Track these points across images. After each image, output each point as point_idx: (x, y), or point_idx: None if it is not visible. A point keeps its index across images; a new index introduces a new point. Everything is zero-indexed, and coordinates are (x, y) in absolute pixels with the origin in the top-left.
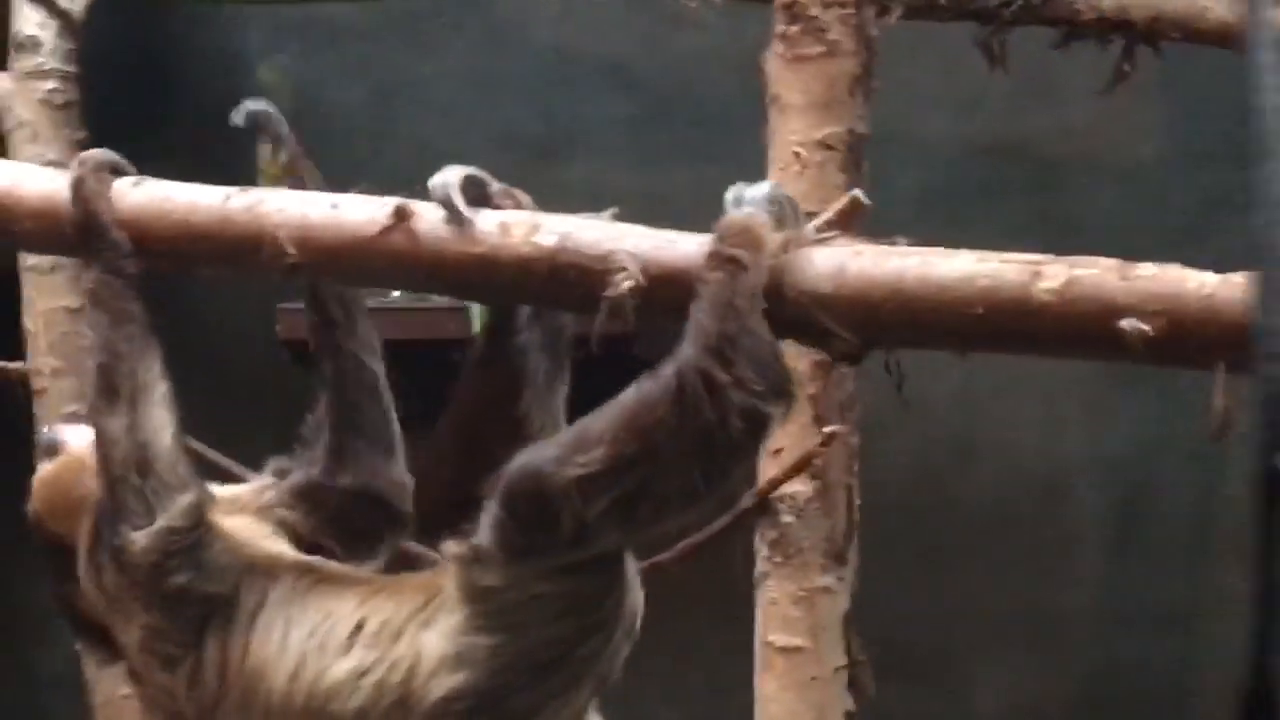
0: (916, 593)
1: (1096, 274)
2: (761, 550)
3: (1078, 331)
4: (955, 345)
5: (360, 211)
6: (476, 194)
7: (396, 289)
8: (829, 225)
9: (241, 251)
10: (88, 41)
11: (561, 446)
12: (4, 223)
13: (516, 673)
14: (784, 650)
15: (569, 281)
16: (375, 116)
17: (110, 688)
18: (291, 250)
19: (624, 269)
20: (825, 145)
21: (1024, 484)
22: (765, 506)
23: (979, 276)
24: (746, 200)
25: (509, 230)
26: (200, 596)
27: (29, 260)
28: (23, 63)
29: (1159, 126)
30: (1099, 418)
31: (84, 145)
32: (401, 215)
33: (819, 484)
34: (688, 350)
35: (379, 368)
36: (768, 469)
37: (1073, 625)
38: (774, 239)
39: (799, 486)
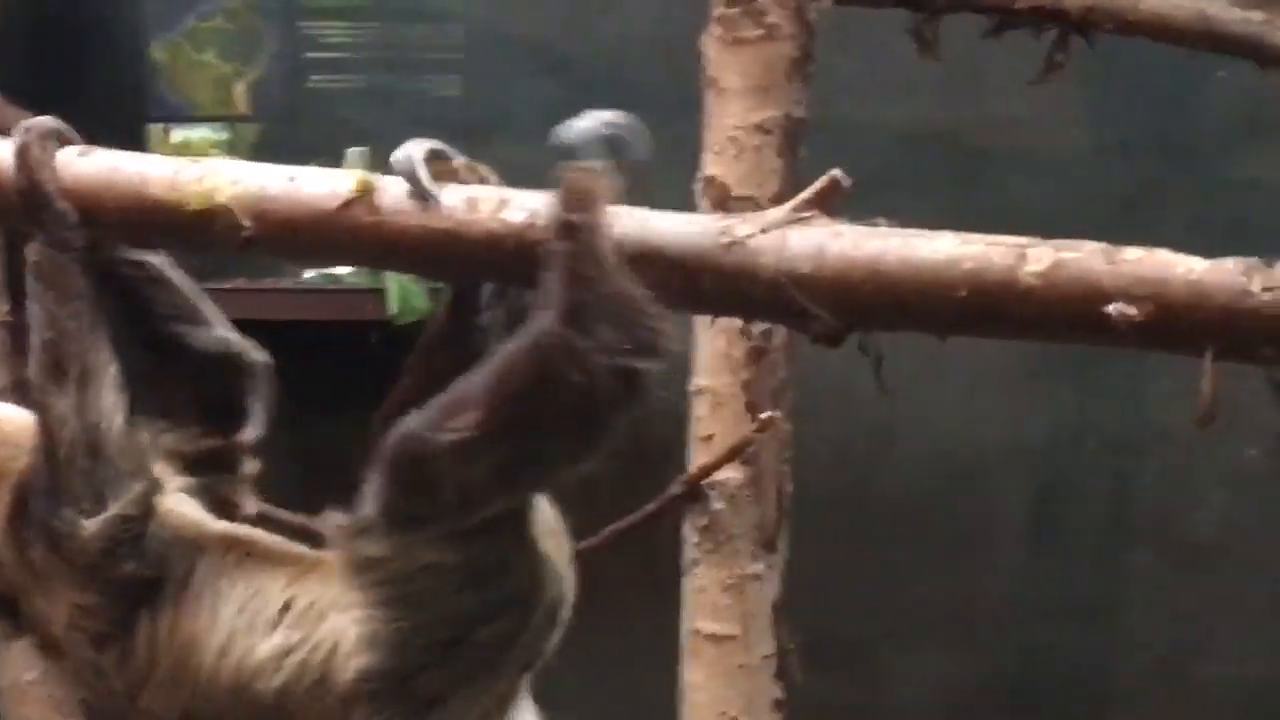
0: (836, 581)
1: (1082, 257)
2: (691, 537)
3: (1064, 315)
4: (938, 328)
5: (320, 184)
6: (441, 168)
7: (355, 265)
8: (806, 205)
9: (194, 224)
10: None
11: (437, 411)
12: None
13: (419, 651)
14: (712, 638)
15: (537, 259)
16: (292, 93)
17: (16, 673)
18: (247, 223)
19: None
20: (762, 129)
21: (943, 472)
22: (695, 493)
23: (963, 259)
24: (576, 146)
25: (476, 206)
26: (141, 580)
27: None
28: None
29: (1087, 117)
30: (1018, 406)
31: None
32: (364, 189)
33: (750, 471)
34: (544, 320)
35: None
36: (698, 455)
37: (991, 614)
38: (612, 186)
39: (730, 473)
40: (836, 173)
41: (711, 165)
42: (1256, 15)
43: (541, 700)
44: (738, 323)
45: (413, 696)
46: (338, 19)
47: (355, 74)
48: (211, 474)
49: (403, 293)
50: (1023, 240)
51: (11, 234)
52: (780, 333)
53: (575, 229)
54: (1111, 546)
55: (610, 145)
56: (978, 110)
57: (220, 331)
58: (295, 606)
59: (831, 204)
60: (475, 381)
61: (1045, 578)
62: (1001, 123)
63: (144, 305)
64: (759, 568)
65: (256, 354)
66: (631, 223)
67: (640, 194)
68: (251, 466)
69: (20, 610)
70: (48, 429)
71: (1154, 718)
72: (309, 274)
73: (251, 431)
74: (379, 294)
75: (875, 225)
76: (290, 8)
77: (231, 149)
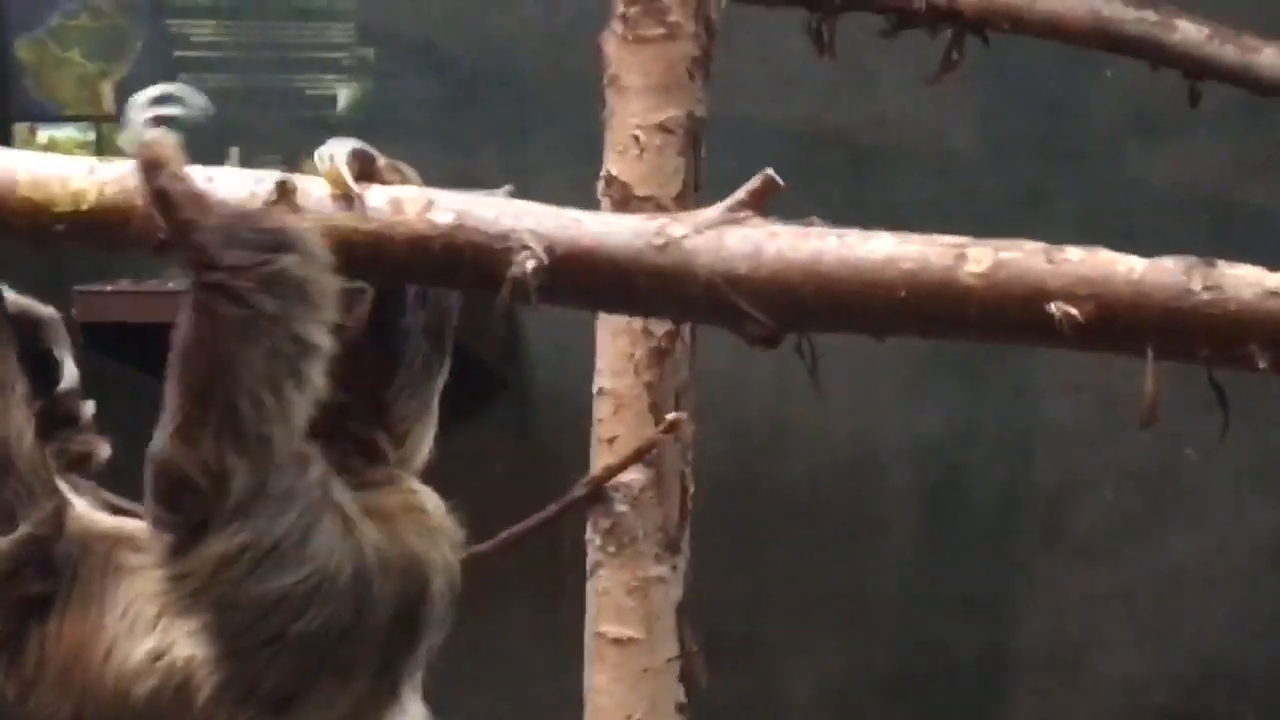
0: (729, 578)
1: (1022, 257)
2: (594, 540)
3: (1005, 316)
4: (877, 329)
5: (237, 185)
6: (363, 168)
7: None
8: (741, 205)
9: (107, 226)
10: None
11: (160, 421)
12: None
13: (255, 651)
14: (616, 641)
15: (466, 261)
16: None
17: None
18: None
19: (527, 248)
20: (664, 129)
21: (836, 467)
22: (598, 495)
23: (902, 259)
24: (132, 123)
25: (401, 206)
26: (39, 595)
27: None
28: None
29: (976, 116)
30: (910, 401)
31: None
32: (284, 190)
33: (653, 472)
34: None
35: None
36: (600, 457)
37: (882, 609)
38: (169, 142)
39: (633, 475)
40: (769, 172)
41: (614, 164)
42: (1150, 15)
43: (440, 704)
44: (638, 323)
45: (264, 698)
46: (208, 17)
47: (227, 73)
48: (56, 435)
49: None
50: (962, 240)
51: None
52: (684, 333)
53: (164, 190)
54: (1003, 541)
55: (164, 104)
56: (867, 109)
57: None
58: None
59: (764, 204)
60: (168, 376)
61: (938, 572)
62: (891, 122)
63: None
64: (663, 570)
65: (42, 308)
66: (563, 222)
67: (540, 192)
68: (87, 411)
69: None
70: None
71: (1045, 710)
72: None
73: (68, 380)
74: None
75: (810, 225)
76: (157, 6)
77: (98, 149)
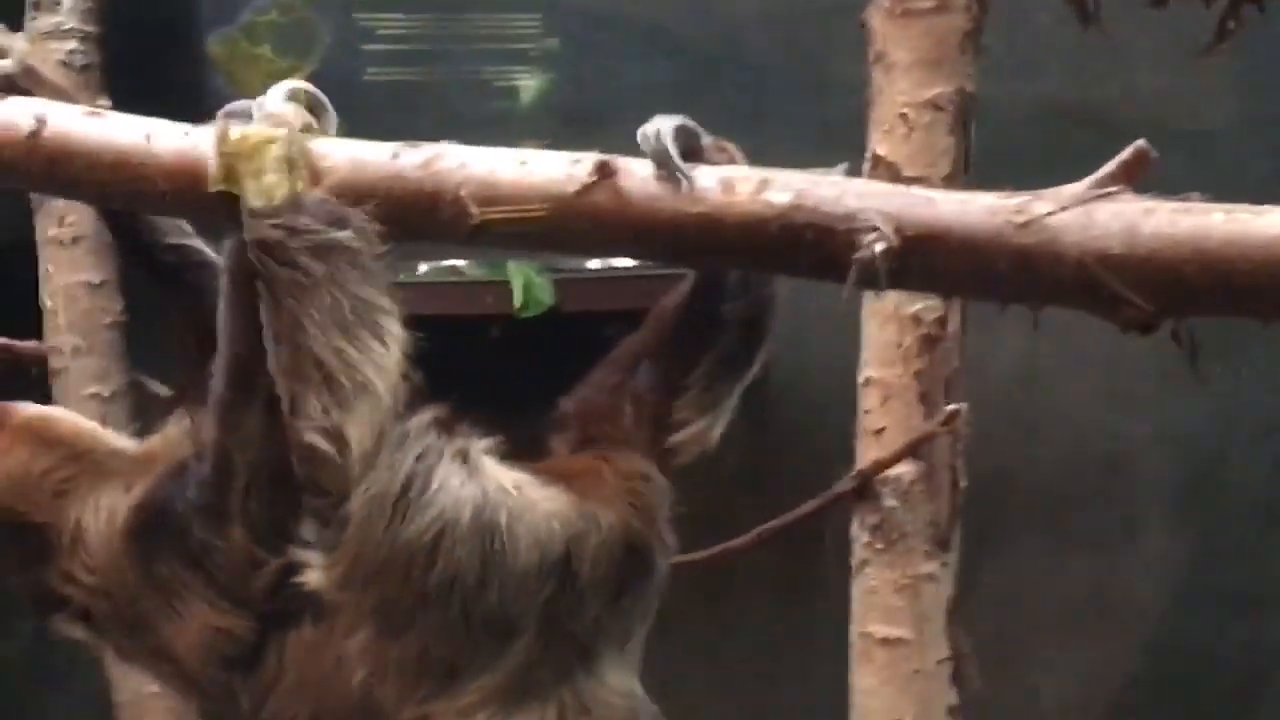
0: (976, 577)
1: None
2: (861, 536)
3: None
4: (1272, 313)
5: (554, 168)
6: (688, 147)
7: (592, 253)
8: (1110, 179)
9: (416, 212)
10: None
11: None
12: (133, 183)
13: (408, 622)
14: (885, 642)
15: (805, 243)
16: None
17: (136, 685)
18: (475, 210)
19: (874, 229)
20: (934, 105)
21: (1087, 460)
22: (865, 489)
23: None
24: (269, 100)
25: (733, 187)
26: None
27: (49, 232)
28: (41, 22)
29: (1234, 91)
30: (1166, 390)
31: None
32: (605, 171)
33: (923, 465)
34: (245, 235)
35: (196, 242)
36: (867, 449)
37: (1139, 608)
38: (300, 120)
39: (902, 468)
40: (1142, 143)
41: (880, 144)
42: None
43: (683, 703)
44: (907, 310)
45: (431, 670)
46: (396, 10)
47: (414, 66)
48: None
49: (528, 285)
50: None
51: (127, 236)
52: (954, 320)
53: (265, 142)
54: (1268, 535)
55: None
56: (1120, 85)
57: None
58: None
59: (1137, 177)
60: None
61: (1197, 569)
62: (1145, 98)
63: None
64: (933, 567)
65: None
66: (912, 201)
67: None
68: None
69: (93, 619)
70: (224, 447)
71: None
72: (423, 267)
73: None
74: (500, 287)
75: (1188, 200)
76: (346, 0)
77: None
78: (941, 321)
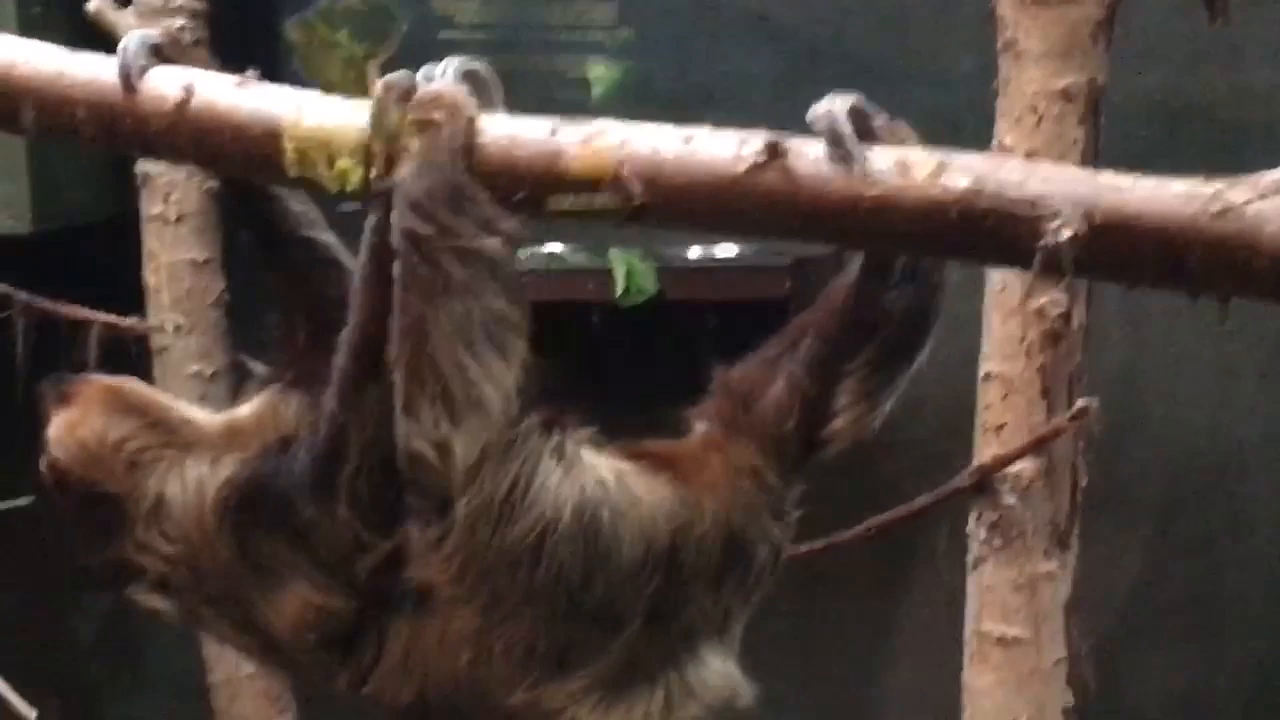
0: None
1: None
2: (978, 533)
3: None
4: None
5: (721, 147)
6: (861, 127)
7: (761, 236)
8: None
9: (575, 190)
10: None
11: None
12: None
13: (515, 615)
14: (1001, 641)
15: (986, 230)
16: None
17: (229, 668)
18: (638, 188)
19: (1061, 215)
20: (1065, 96)
21: (1192, 462)
22: (984, 485)
23: None
24: (438, 75)
25: (908, 169)
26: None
27: (153, 209)
28: None
29: None
30: (1272, 391)
31: None
32: (775, 151)
33: (1044, 462)
34: (394, 218)
35: (328, 237)
36: (986, 445)
37: (1241, 613)
38: (470, 102)
39: (1021, 465)
40: None
41: (1008, 134)
42: None
43: (779, 693)
44: (1033, 304)
45: (542, 659)
46: None
47: (490, 53)
48: None
49: (631, 273)
50: None
51: (257, 220)
52: (1079, 314)
53: (430, 124)
54: None
55: (474, 78)
56: (1233, 80)
57: None
58: None
59: None
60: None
61: None
62: (1259, 94)
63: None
64: (1052, 566)
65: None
66: (1099, 187)
67: None
68: None
69: (170, 588)
70: (341, 423)
71: None
72: (523, 253)
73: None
74: (602, 274)
75: None
76: None
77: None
78: (1066, 316)
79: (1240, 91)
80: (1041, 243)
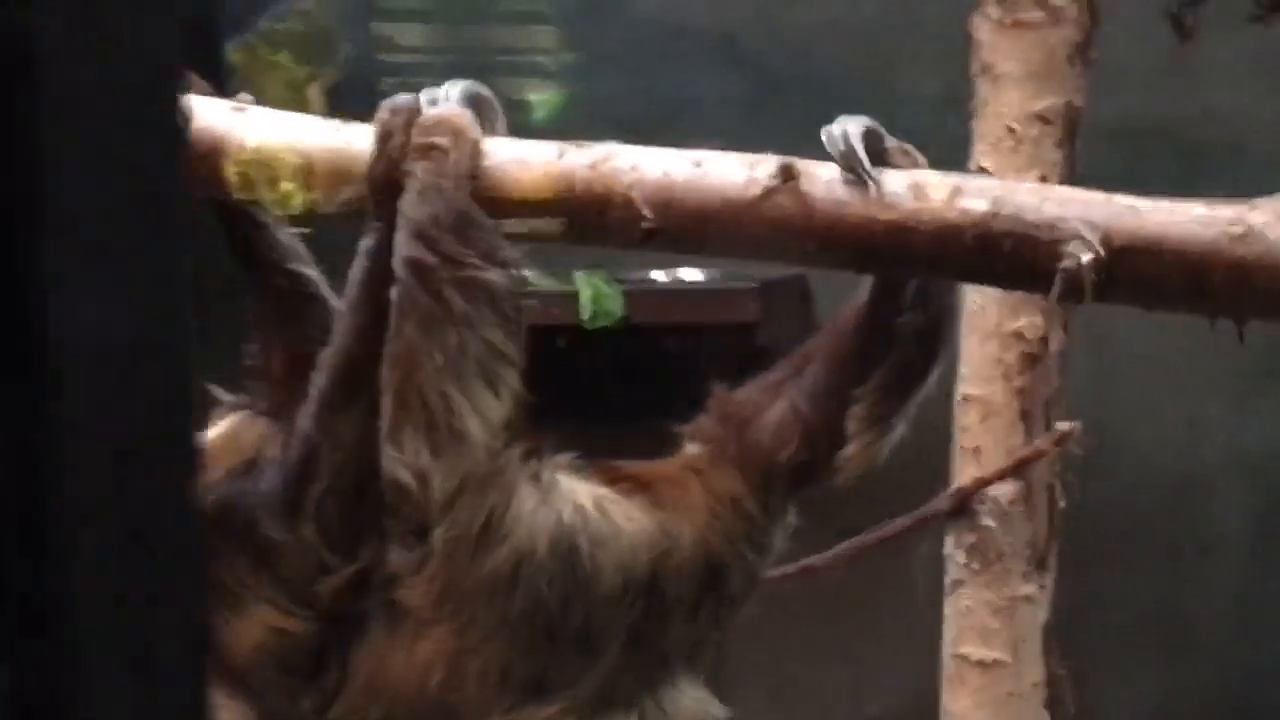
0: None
1: None
2: (956, 555)
3: None
4: None
5: (732, 170)
6: (873, 149)
7: (774, 260)
8: None
9: (584, 214)
10: None
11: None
12: None
13: (490, 641)
14: (980, 664)
15: (1003, 253)
16: (368, 96)
17: None
18: (648, 214)
19: (1080, 238)
20: (1042, 119)
21: (1159, 485)
22: (962, 508)
23: None
24: (441, 98)
25: (925, 192)
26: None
27: None
28: None
29: None
30: (1239, 414)
31: None
32: (788, 174)
33: (1022, 485)
34: (397, 243)
35: (312, 272)
36: (963, 467)
37: (1208, 634)
38: (475, 127)
39: (1000, 488)
40: None
41: (985, 157)
42: None
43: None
44: (1009, 326)
45: (518, 684)
46: (415, 20)
47: (432, 77)
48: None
49: (597, 296)
50: None
51: (242, 247)
52: (1056, 338)
53: (434, 149)
54: None
55: (476, 102)
56: (1195, 102)
57: None
58: None
59: None
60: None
61: (1269, 596)
62: (1221, 116)
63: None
64: (1030, 589)
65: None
66: (1117, 210)
67: None
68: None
69: None
70: (314, 444)
71: None
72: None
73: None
74: (568, 298)
75: None
76: (365, 9)
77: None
78: (1044, 339)
79: (1204, 114)
80: (1062, 265)
